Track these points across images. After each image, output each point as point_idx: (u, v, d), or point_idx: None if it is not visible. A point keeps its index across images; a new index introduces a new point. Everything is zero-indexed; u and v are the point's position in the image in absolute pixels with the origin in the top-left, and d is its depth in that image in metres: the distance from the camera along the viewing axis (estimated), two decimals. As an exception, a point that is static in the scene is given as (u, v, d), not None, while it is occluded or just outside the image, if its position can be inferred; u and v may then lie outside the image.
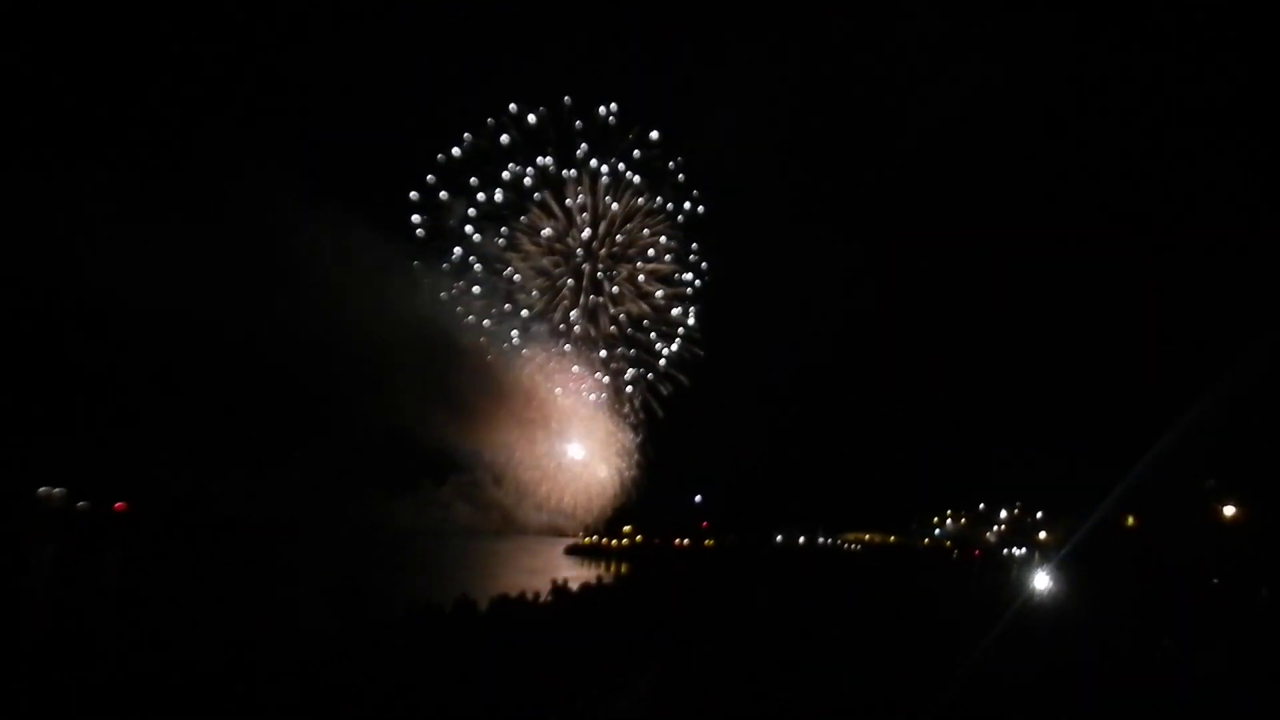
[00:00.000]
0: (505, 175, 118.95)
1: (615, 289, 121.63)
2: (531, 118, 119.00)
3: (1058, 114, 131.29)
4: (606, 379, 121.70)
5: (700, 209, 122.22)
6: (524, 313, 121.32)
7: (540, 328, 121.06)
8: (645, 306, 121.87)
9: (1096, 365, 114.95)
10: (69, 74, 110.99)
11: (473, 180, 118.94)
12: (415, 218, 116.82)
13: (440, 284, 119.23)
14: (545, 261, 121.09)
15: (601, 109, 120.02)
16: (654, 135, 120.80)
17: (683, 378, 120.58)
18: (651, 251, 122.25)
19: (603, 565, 73.19)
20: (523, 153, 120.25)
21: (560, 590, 23.72)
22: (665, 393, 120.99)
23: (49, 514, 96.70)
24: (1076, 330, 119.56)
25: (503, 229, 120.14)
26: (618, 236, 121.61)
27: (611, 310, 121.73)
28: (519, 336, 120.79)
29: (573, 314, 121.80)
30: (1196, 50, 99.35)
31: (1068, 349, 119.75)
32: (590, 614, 20.86)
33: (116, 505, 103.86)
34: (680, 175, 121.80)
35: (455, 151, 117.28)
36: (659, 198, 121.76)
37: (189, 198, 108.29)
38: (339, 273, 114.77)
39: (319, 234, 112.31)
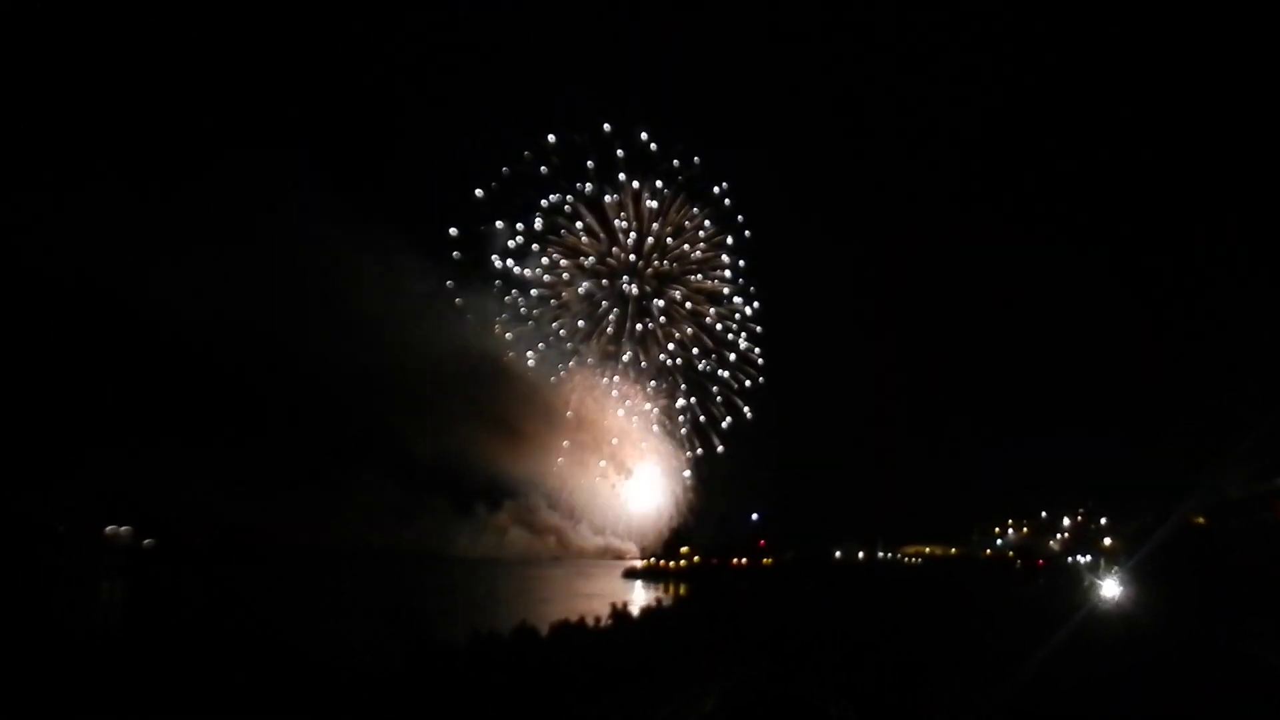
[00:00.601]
0: (545, 203, 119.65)
1: (663, 308, 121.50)
2: (568, 138, 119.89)
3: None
4: (658, 401, 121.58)
5: (747, 232, 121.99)
6: (569, 337, 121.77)
7: (588, 350, 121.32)
8: (695, 329, 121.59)
9: (1155, 368, 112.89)
10: (127, 93, 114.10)
11: (510, 209, 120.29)
12: (456, 254, 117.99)
13: (487, 311, 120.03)
14: (590, 284, 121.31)
15: (643, 134, 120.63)
16: (695, 160, 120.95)
17: (736, 399, 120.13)
18: (699, 274, 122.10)
19: (662, 587, 72.95)
20: (563, 177, 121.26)
21: (621, 615, 23.59)
22: (718, 413, 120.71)
23: (117, 551, 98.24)
24: (1135, 335, 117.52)
25: (545, 254, 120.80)
26: (664, 258, 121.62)
27: (661, 331, 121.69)
28: (567, 360, 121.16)
29: (618, 336, 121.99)
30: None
31: (1127, 354, 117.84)
32: (651, 636, 20.71)
33: (145, 542, 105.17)
34: (726, 200, 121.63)
35: (493, 184, 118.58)
36: (703, 218, 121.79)
37: (235, 224, 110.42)
38: (387, 300, 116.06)
39: (366, 260, 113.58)
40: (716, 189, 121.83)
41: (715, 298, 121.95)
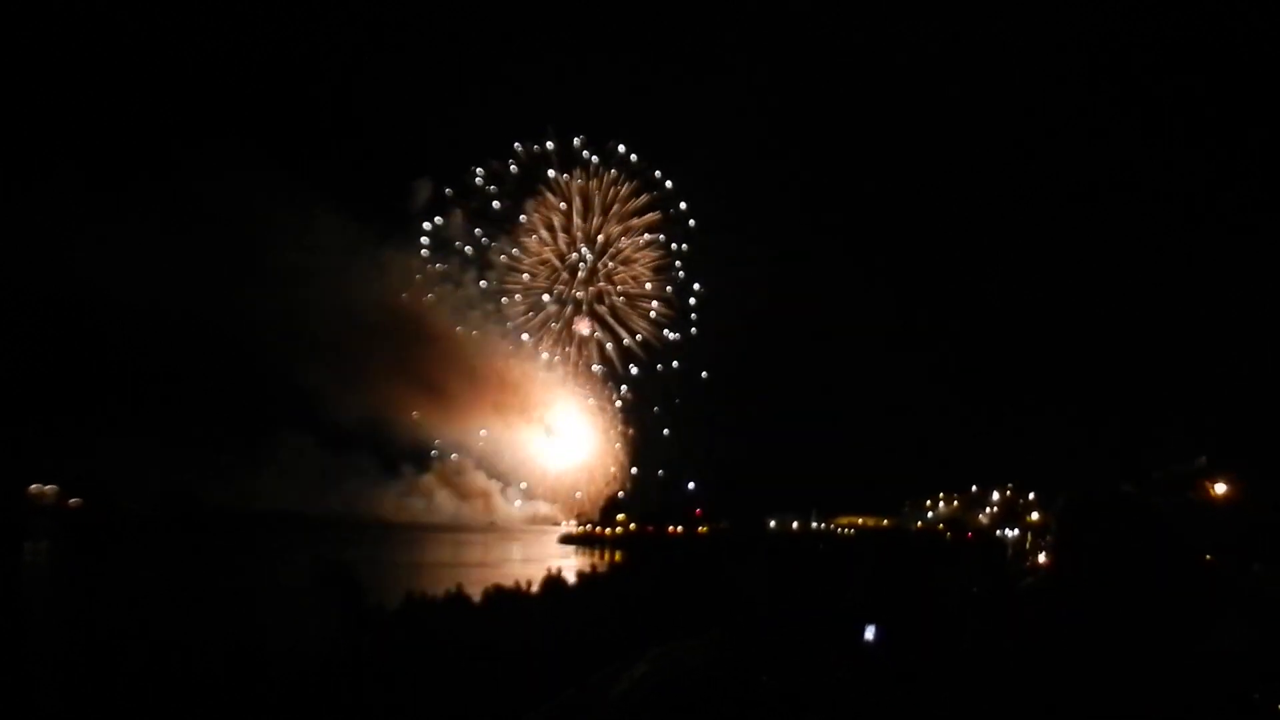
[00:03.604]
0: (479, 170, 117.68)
1: (605, 268, 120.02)
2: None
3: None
4: (593, 363, 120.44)
5: (684, 204, 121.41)
6: (500, 295, 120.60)
7: (517, 309, 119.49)
8: (634, 286, 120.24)
9: (1088, 345, 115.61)
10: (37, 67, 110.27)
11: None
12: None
13: (410, 268, 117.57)
14: (526, 240, 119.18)
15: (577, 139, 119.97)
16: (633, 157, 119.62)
17: (673, 365, 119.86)
18: (642, 238, 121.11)
19: (597, 553, 73.14)
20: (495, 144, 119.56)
21: (555, 581, 23.68)
22: (656, 377, 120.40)
23: (40, 511, 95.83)
24: (1067, 310, 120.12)
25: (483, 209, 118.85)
26: (603, 222, 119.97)
27: (597, 289, 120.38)
28: (495, 319, 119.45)
29: (548, 295, 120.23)
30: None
31: (1059, 329, 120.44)
32: (587, 603, 20.76)
33: (70, 501, 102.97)
34: (659, 175, 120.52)
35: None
36: (642, 185, 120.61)
37: (147, 188, 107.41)
38: (303, 257, 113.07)
39: (281, 216, 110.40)
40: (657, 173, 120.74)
41: (657, 268, 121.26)
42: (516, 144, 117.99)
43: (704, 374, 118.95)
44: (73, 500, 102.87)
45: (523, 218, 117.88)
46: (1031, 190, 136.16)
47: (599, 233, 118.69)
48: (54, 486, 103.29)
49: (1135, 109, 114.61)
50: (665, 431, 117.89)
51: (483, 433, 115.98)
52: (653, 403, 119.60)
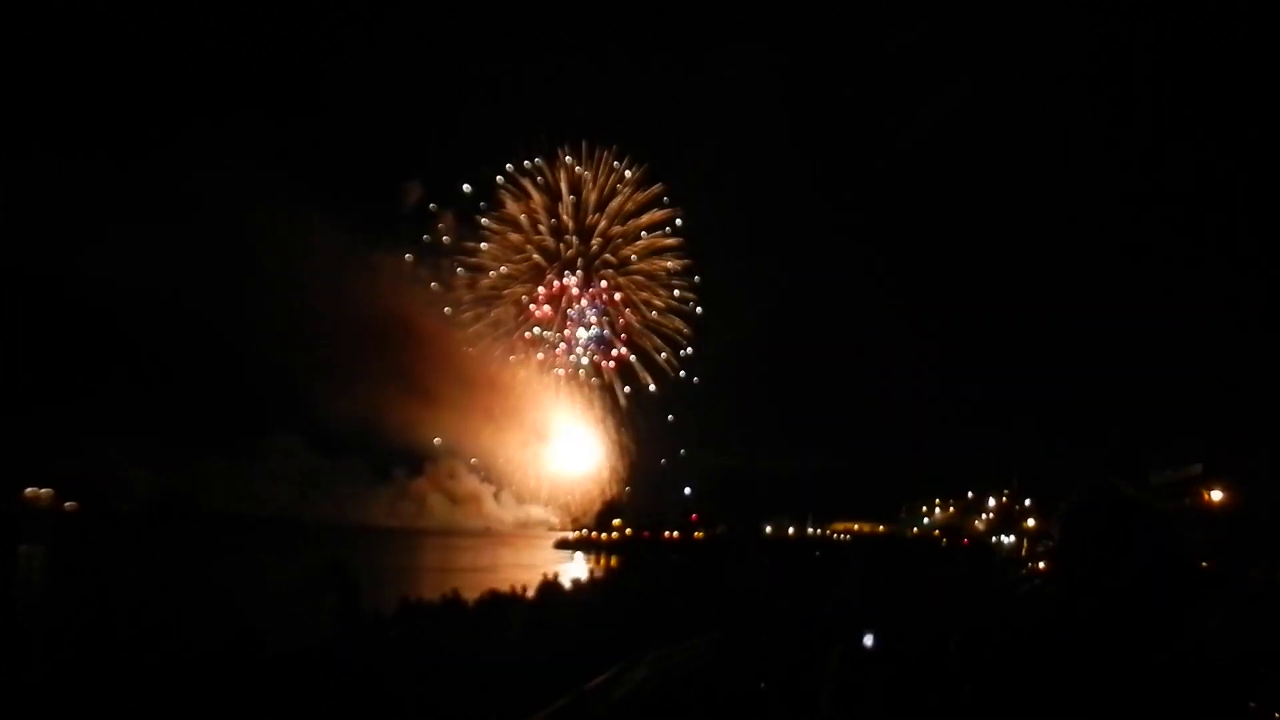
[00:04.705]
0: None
1: (603, 263, 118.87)
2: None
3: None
4: (587, 363, 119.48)
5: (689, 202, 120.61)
6: (492, 298, 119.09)
7: (512, 311, 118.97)
8: (635, 292, 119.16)
9: (1085, 351, 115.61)
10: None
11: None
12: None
13: (402, 270, 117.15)
14: (517, 238, 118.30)
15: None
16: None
17: (672, 366, 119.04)
18: (642, 236, 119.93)
19: (593, 558, 72.92)
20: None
21: (551, 585, 23.52)
22: (653, 378, 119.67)
23: (37, 514, 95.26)
24: (1063, 317, 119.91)
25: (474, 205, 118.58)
26: (602, 217, 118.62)
27: (595, 291, 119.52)
28: (488, 322, 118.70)
29: (554, 298, 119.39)
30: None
31: (1056, 334, 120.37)
32: (581, 609, 20.63)
33: (67, 505, 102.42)
34: (660, 186, 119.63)
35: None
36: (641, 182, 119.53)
37: (137, 185, 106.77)
38: (294, 257, 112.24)
39: (273, 216, 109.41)
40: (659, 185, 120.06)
41: (655, 268, 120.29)
42: (514, 145, 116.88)
43: (695, 381, 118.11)
44: (69, 504, 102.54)
45: (522, 217, 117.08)
46: (1041, 197, 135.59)
47: (596, 232, 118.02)
48: (50, 490, 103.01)
49: (1150, 107, 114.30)
50: (662, 436, 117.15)
51: (437, 441, 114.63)
52: (649, 406, 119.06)
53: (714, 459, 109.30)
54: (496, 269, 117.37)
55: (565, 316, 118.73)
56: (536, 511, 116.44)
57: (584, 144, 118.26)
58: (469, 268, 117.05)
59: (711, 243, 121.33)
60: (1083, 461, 76.63)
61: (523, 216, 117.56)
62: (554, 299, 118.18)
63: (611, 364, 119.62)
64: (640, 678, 9.27)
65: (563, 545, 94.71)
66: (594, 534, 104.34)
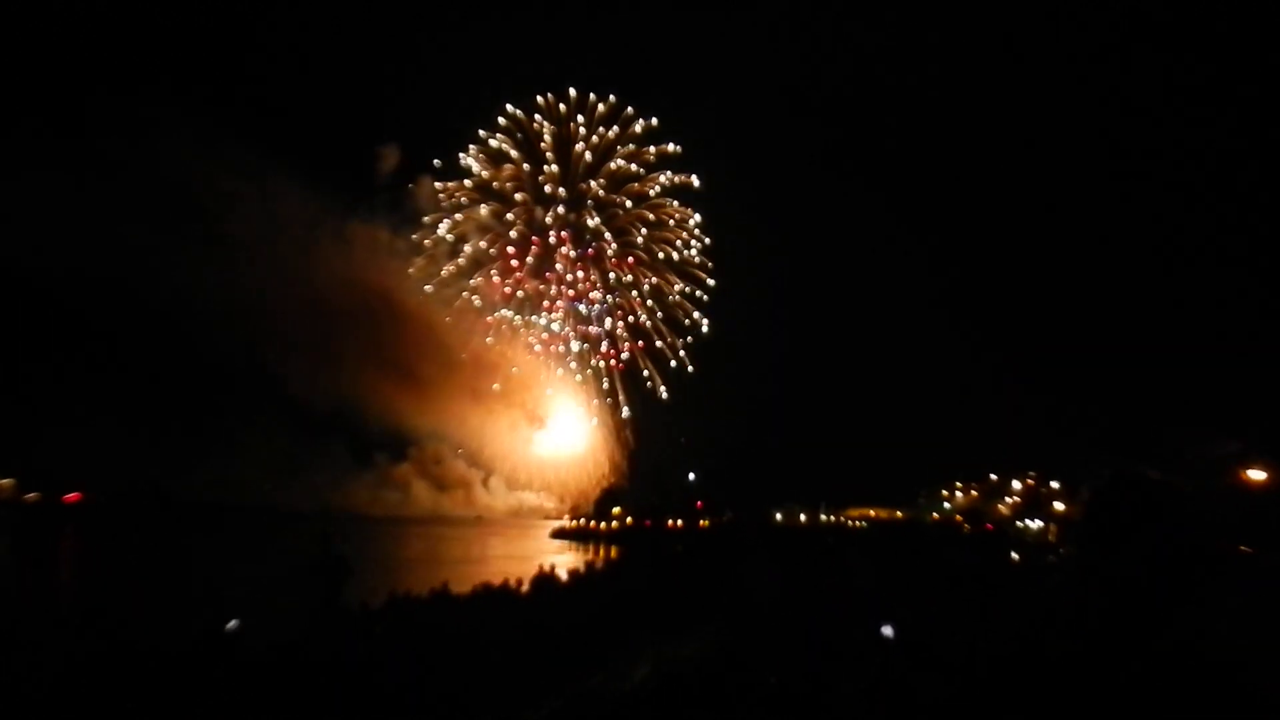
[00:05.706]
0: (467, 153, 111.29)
1: (598, 224, 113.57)
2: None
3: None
4: (583, 343, 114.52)
5: (694, 177, 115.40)
6: (474, 272, 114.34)
7: (501, 286, 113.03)
8: (637, 266, 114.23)
9: (1108, 329, 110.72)
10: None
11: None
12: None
13: (377, 241, 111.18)
14: (511, 214, 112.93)
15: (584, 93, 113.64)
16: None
17: (677, 348, 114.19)
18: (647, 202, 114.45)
19: (591, 549, 69.48)
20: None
21: (547, 578, 21.58)
22: (657, 362, 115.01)
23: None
24: (1094, 293, 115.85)
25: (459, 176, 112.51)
26: (600, 177, 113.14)
27: (591, 262, 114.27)
28: (476, 298, 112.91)
29: (539, 270, 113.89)
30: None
31: (1085, 312, 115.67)
32: (579, 602, 18.94)
33: (68, 497, 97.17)
34: (671, 145, 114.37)
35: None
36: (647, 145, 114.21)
37: (95, 158, 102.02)
38: (262, 229, 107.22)
39: (240, 186, 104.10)
40: (671, 145, 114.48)
41: (664, 240, 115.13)
42: (506, 102, 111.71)
43: (689, 369, 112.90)
44: (29, 495, 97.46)
45: (510, 184, 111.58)
46: (1061, 171, 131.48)
47: (594, 192, 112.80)
48: (11, 480, 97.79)
49: (1172, 85, 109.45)
50: (664, 418, 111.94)
51: (463, 413, 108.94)
52: (651, 387, 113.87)
53: (720, 441, 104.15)
54: (482, 236, 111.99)
55: (561, 284, 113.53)
56: (530, 498, 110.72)
57: (579, 93, 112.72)
58: (456, 236, 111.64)
59: (725, 224, 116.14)
60: (1111, 440, 73.01)
61: (509, 184, 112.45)
62: (547, 265, 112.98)
63: (612, 348, 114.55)
64: (643, 674, 9.46)
65: (559, 535, 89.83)
66: (592, 523, 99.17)
